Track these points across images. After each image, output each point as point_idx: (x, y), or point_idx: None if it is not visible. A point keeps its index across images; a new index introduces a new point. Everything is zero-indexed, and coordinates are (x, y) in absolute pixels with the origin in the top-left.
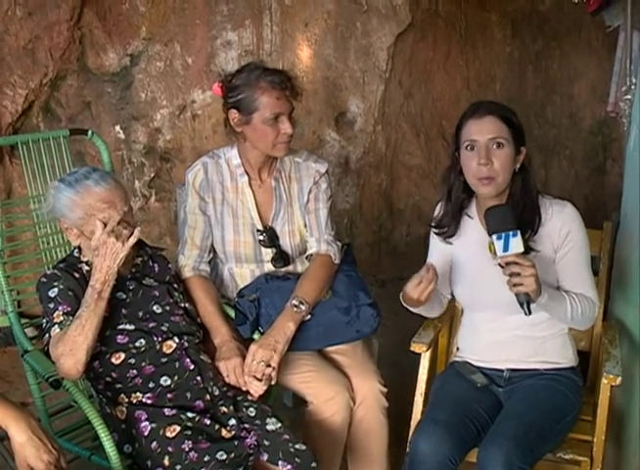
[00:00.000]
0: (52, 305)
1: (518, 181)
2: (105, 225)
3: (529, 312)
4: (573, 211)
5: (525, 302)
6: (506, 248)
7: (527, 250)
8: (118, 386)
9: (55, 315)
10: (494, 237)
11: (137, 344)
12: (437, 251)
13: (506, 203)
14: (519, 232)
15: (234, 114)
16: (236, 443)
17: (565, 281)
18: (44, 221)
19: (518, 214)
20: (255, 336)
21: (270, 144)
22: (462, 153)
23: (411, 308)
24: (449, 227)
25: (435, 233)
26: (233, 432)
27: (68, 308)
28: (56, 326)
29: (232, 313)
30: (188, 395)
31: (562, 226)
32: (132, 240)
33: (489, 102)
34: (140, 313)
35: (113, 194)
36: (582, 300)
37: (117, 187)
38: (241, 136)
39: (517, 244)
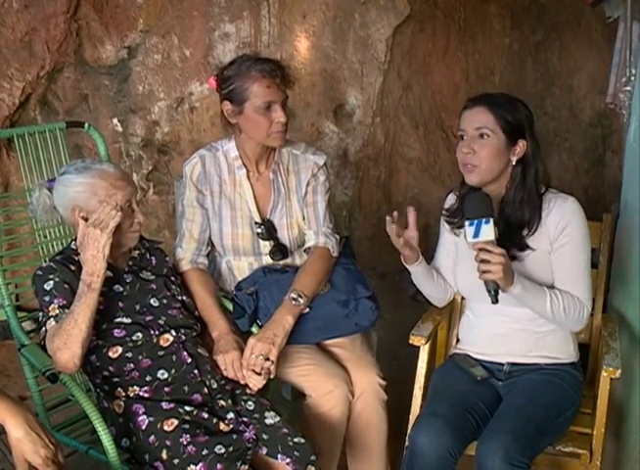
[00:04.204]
0: (47, 298)
1: (516, 174)
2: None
3: (496, 301)
4: (575, 206)
5: (493, 290)
6: (477, 234)
7: (524, 246)
8: (116, 380)
9: (50, 308)
10: (467, 223)
11: (134, 337)
12: (445, 241)
13: (504, 194)
14: (492, 220)
15: (227, 105)
16: (234, 436)
17: (556, 277)
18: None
19: (514, 207)
20: (254, 329)
21: (264, 133)
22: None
23: (412, 278)
24: (458, 217)
25: (447, 222)
26: (231, 425)
27: (64, 301)
28: (52, 319)
29: (230, 306)
30: (185, 388)
31: (560, 220)
32: (112, 224)
33: (490, 94)
34: (137, 307)
35: (124, 175)
36: (567, 298)
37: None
38: (236, 127)
39: (488, 231)
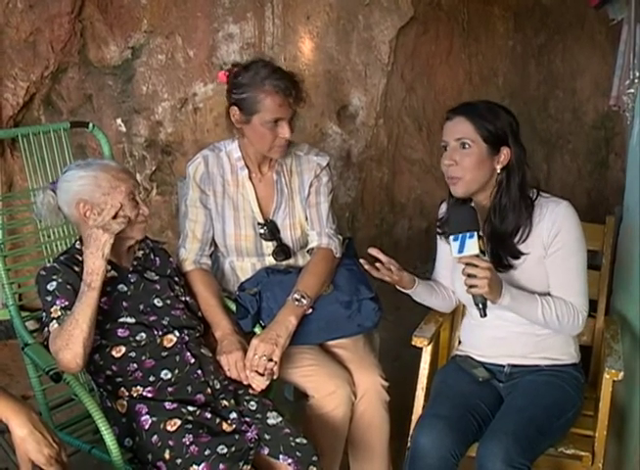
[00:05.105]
0: (50, 299)
1: (502, 181)
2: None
3: (485, 314)
4: (568, 211)
5: (481, 303)
6: (461, 249)
7: (516, 254)
8: (119, 379)
9: (52, 310)
10: (451, 237)
11: (138, 337)
12: (442, 251)
13: (492, 202)
14: (476, 234)
15: (235, 111)
16: (237, 436)
17: (551, 282)
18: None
19: (501, 215)
20: (257, 330)
21: (267, 146)
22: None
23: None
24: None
25: (438, 233)
26: (234, 426)
27: (66, 303)
28: (54, 322)
29: (233, 307)
30: (189, 388)
31: (552, 225)
32: (116, 227)
33: (470, 103)
34: (141, 307)
35: (126, 169)
36: (560, 304)
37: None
38: (240, 132)
39: (472, 245)
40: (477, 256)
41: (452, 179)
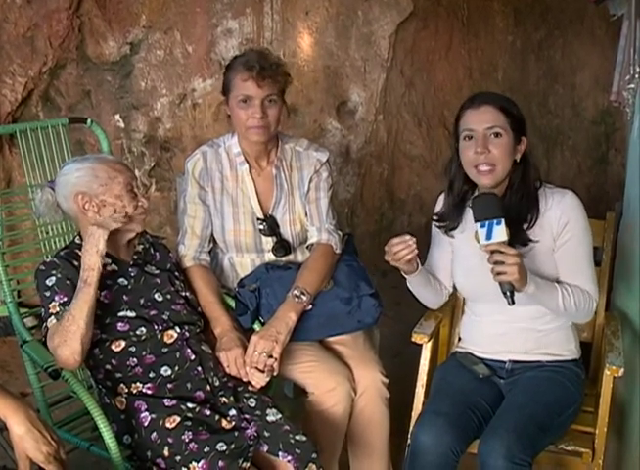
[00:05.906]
0: (48, 294)
1: (518, 171)
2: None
3: (513, 302)
4: (574, 201)
5: (509, 291)
6: (489, 236)
7: (526, 240)
8: (118, 375)
9: (51, 306)
10: (478, 225)
11: (138, 332)
12: (440, 243)
13: (504, 193)
14: (503, 221)
15: (222, 96)
16: (236, 433)
17: (562, 272)
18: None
19: (514, 205)
20: (256, 326)
21: (243, 127)
22: (460, 143)
23: (409, 286)
24: (450, 220)
25: (437, 227)
26: (233, 423)
27: (65, 298)
28: (52, 317)
29: (232, 303)
30: (188, 385)
31: (561, 215)
32: (114, 225)
33: (488, 92)
34: (141, 300)
35: (122, 162)
36: (577, 292)
37: None
38: (231, 122)
39: (500, 232)
40: (505, 242)
41: (483, 170)
